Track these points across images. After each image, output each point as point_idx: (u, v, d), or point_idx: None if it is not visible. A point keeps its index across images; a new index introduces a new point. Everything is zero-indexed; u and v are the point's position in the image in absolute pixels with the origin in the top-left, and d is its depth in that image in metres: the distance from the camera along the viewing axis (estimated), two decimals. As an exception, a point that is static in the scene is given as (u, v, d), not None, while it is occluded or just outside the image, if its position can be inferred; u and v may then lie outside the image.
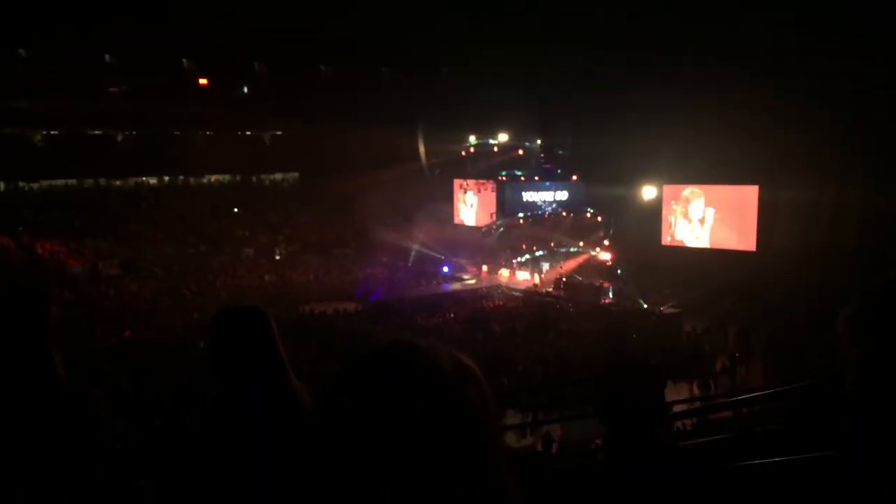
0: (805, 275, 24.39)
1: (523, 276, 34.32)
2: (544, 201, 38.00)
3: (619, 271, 31.35)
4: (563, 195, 38.14)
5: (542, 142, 39.83)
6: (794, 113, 25.62)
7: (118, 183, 43.68)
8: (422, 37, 40.11)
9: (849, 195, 24.99)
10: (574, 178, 37.93)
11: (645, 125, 29.54)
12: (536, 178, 38.69)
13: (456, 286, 33.92)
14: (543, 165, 39.21)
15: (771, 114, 26.38)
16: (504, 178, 38.41)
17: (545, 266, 34.54)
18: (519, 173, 38.92)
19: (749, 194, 28.85)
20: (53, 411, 2.65)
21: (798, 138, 25.87)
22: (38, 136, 42.78)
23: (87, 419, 2.76)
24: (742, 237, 29.01)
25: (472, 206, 39.98)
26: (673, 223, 31.88)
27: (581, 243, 34.44)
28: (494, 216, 38.06)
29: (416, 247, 36.91)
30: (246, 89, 47.86)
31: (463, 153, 41.07)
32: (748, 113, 26.69)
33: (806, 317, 20.96)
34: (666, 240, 31.85)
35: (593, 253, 33.58)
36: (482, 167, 39.87)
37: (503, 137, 40.51)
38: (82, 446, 2.73)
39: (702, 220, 30.49)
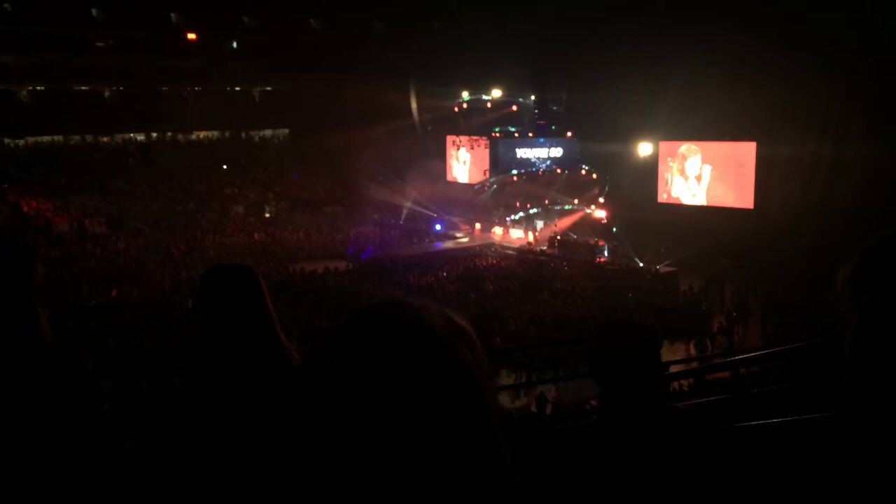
0: (804, 232, 24.09)
1: (517, 234, 33.94)
2: (538, 158, 37.49)
3: (614, 229, 31.05)
4: (557, 152, 37.62)
5: (536, 98, 39.13)
6: (792, 68, 25.12)
7: (105, 139, 43.20)
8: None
9: (848, 151, 24.53)
10: (569, 134, 37.36)
11: (641, 81, 29.01)
12: (530, 134, 38.10)
13: (448, 244, 33.52)
14: (537, 121, 38.57)
15: (769, 69, 25.82)
16: (497, 135, 37.86)
17: (539, 224, 34.17)
18: (513, 130, 38.33)
19: (747, 151, 28.40)
20: (38, 370, 2.55)
21: (797, 94, 25.37)
22: (24, 92, 42.27)
23: (71, 379, 2.69)
24: (739, 194, 28.60)
25: (465, 163, 39.48)
26: (669, 180, 31.41)
27: (576, 201, 34.04)
28: (488, 173, 37.58)
29: (408, 204, 36.51)
30: (235, 44, 47.12)
31: (456, 109, 40.40)
32: (746, 68, 26.17)
33: (805, 275, 20.70)
34: (662, 197, 31.38)
35: (588, 211, 33.21)
36: (475, 123, 39.24)
37: (496, 93, 39.77)
38: (67, 406, 2.64)
39: (699, 178, 30.03)
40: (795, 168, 25.83)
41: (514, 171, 36.81)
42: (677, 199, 31.04)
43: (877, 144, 23.14)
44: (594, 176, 34.77)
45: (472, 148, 38.73)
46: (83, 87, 43.40)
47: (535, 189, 35.45)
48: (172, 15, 44.35)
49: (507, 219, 34.88)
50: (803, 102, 25.29)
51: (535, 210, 34.68)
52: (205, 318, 2.96)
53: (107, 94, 44.12)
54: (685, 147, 29.95)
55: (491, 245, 32.76)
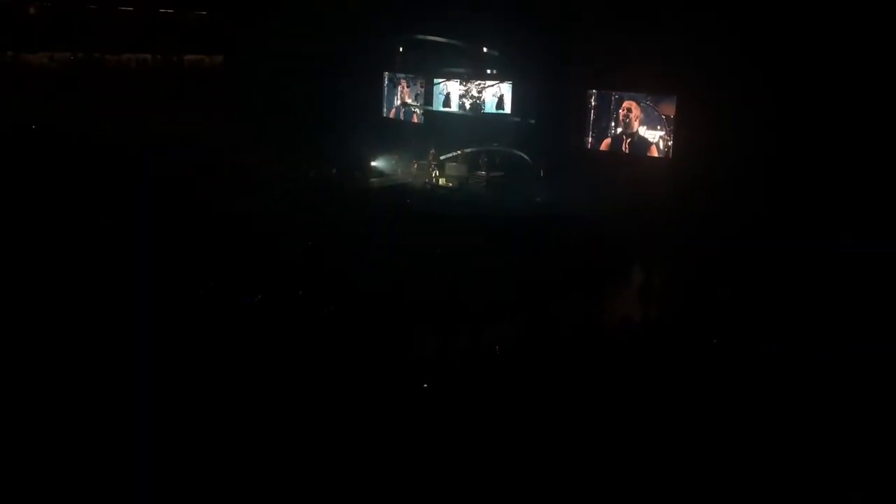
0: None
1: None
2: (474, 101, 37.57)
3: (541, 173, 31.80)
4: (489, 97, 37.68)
5: (475, 41, 38.93)
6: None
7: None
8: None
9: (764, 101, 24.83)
10: (503, 80, 37.39)
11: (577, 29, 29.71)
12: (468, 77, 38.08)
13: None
14: (476, 65, 38.46)
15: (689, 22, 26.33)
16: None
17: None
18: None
19: (669, 103, 28.85)
20: None
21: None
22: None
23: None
24: (662, 146, 29.12)
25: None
26: (598, 129, 31.71)
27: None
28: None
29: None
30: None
31: (401, 49, 39.95)
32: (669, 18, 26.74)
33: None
34: (589, 145, 31.78)
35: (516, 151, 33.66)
36: (413, 62, 39.03)
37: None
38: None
39: (627, 127, 30.39)
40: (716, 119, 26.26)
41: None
42: (605, 147, 31.36)
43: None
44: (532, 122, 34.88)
45: (409, 86, 38.72)
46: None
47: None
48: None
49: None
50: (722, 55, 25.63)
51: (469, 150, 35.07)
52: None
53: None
54: (614, 97, 30.39)
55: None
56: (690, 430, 10.98)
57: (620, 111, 30.04)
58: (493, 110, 35.09)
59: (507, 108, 34.61)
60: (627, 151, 29.95)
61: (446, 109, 36.58)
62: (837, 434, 10.59)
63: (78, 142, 33.28)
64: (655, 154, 28.91)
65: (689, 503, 9.58)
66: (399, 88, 38.96)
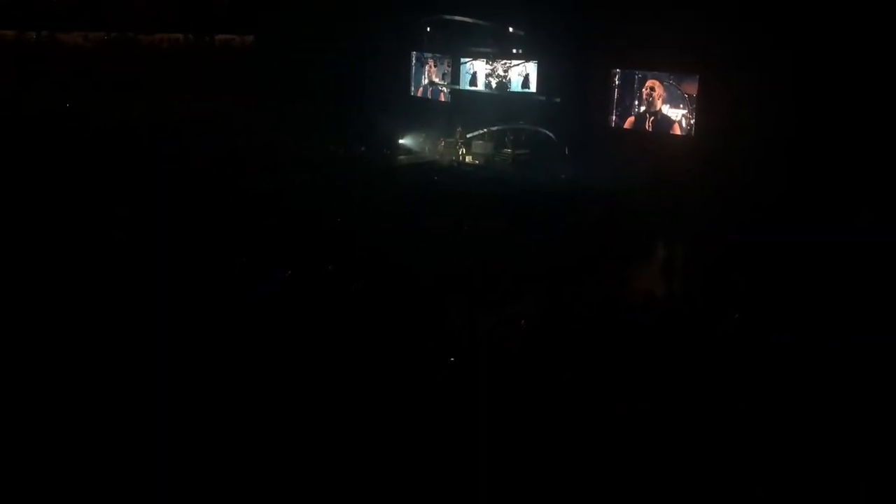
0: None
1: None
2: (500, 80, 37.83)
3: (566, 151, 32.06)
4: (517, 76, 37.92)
5: (501, 21, 39.08)
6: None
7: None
8: None
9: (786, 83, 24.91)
10: (529, 59, 37.58)
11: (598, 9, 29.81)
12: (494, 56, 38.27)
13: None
14: (501, 44, 38.69)
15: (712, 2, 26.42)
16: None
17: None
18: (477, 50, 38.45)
19: (692, 81, 29.03)
20: None
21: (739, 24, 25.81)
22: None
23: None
24: (685, 124, 29.33)
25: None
26: (621, 107, 31.92)
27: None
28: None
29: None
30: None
31: (428, 29, 40.20)
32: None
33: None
34: (613, 124, 32.04)
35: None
36: (440, 41, 39.33)
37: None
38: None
39: (650, 106, 30.58)
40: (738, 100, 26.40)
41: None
42: (628, 125, 31.61)
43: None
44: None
45: (437, 66, 39.08)
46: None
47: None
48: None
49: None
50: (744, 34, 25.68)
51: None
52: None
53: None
54: (637, 75, 30.58)
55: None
56: (701, 417, 11.03)
57: (644, 90, 30.28)
58: (519, 89, 35.32)
59: (533, 87, 34.83)
60: (651, 129, 30.16)
61: (473, 88, 36.87)
62: (846, 425, 10.51)
63: (119, 122, 33.96)
64: (678, 132, 29.14)
65: (696, 492, 9.74)
66: (426, 68, 39.32)
